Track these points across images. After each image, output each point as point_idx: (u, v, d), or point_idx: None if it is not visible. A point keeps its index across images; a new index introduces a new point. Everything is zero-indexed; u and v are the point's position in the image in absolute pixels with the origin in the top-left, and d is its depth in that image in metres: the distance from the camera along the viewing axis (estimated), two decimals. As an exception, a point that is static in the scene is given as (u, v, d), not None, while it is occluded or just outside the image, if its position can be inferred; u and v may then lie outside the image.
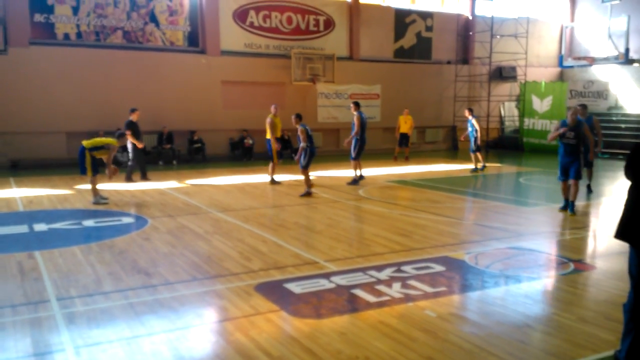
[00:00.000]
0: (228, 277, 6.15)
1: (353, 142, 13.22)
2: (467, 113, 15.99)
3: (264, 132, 13.55)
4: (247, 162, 18.81)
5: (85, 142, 10.66)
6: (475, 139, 15.48)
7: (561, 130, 9.55)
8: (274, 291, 5.67)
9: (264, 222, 9.06)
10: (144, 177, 13.95)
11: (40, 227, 8.62)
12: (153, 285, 5.87)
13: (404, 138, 18.46)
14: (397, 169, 16.55)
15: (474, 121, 15.51)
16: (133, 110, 13.80)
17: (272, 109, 13.48)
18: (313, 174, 15.13)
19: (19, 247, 7.41)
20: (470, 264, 6.74)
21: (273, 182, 13.38)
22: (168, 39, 18.62)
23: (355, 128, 13.08)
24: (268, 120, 13.20)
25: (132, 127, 13.50)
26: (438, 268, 6.48)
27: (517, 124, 24.47)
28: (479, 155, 15.74)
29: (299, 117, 11.69)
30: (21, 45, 16.26)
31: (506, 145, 23.82)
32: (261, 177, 14.62)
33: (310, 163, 11.52)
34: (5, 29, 16.01)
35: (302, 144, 11.40)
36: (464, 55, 24.57)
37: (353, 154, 13.35)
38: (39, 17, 16.62)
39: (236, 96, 19.57)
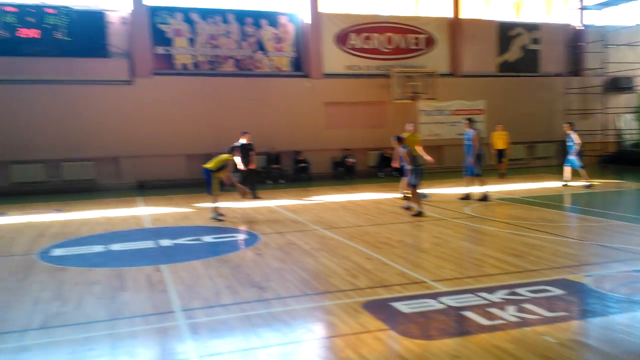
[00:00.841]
0: (336, 294, 6.28)
1: (471, 158, 12.93)
2: (566, 127, 15.35)
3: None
4: (350, 180, 19.06)
5: (209, 165, 11.40)
6: (578, 153, 14.92)
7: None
8: (382, 309, 5.69)
9: (369, 240, 9.13)
10: (255, 196, 14.45)
11: (165, 242, 9.34)
12: (266, 299, 6.14)
13: (500, 154, 17.82)
14: (505, 186, 15.92)
15: (574, 135, 14.91)
16: (244, 133, 14.59)
17: (409, 127, 13.72)
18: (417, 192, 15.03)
19: (148, 261, 8.08)
20: (592, 287, 6.34)
21: (406, 198, 13.00)
22: (275, 65, 19.53)
23: (476, 144, 12.85)
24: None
25: (242, 149, 14.08)
26: (556, 291, 6.16)
27: (635, 137, 22.62)
28: (580, 170, 15.07)
29: (399, 139, 11.69)
30: (145, 75, 17.87)
31: (625, 160, 22.04)
32: (364, 195, 14.77)
33: (419, 182, 11.42)
34: (131, 61, 17.74)
35: (408, 167, 11.36)
36: (575, 67, 23.28)
37: (478, 171, 13.03)
38: (160, 50, 18.19)
39: (338, 116, 20.00)
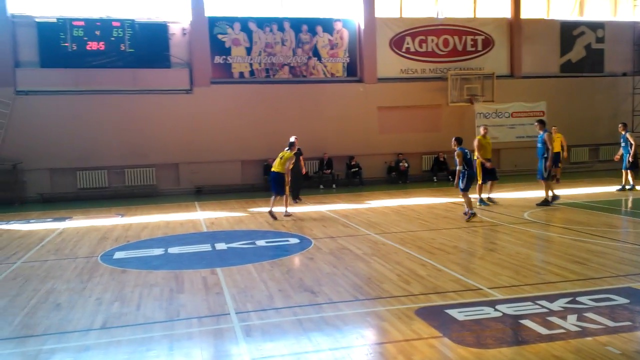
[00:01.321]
0: (388, 300, 6.22)
1: (542, 161, 12.60)
2: (620, 128, 14.94)
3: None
4: (403, 185, 18.86)
5: (277, 168, 12.24)
6: (629, 155, 14.54)
7: None
8: (435, 316, 5.59)
9: (422, 245, 9.00)
10: (297, 199, 14.93)
11: (220, 246, 9.56)
12: (318, 303, 6.16)
13: (556, 157, 17.06)
14: (565, 190, 15.29)
15: (628, 136, 14.57)
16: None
17: (482, 130, 13.45)
18: (474, 196, 14.68)
19: (204, 264, 8.29)
20: (660, 297, 5.99)
21: (482, 202, 13.18)
22: (329, 71, 19.64)
23: (549, 146, 12.51)
24: (475, 142, 13.08)
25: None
26: (620, 300, 5.85)
27: None
28: (630, 173, 14.66)
29: (458, 140, 11.58)
30: (204, 84, 18.40)
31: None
32: (417, 200, 14.58)
33: (470, 186, 11.33)
34: (191, 71, 18.31)
35: (458, 167, 11.35)
36: (643, 66, 22.10)
37: (545, 174, 12.63)
38: (218, 59, 18.68)
39: (391, 121, 19.85)
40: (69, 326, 5.72)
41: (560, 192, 14.68)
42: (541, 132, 12.62)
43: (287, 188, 12.42)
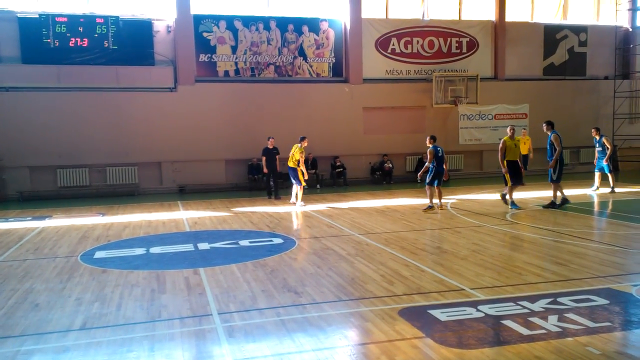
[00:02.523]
0: (372, 300, 6.23)
1: (556, 163, 12.29)
2: (594, 132, 15.36)
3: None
4: (387, 185, 18.92)
5: (291, 163, 14.13)
6: (604, 159, 14.99)
7: None
8: (419, 317, 5.61)
9: (405, 246, 9.03)
10: (275, 197, 15.73)
11: (203, 246, 9.49)
12: (302, 303, 6.14)
13: (524, 160, 17.23)
14: (546, 192, 15.44)
15: (604, 140, 14.97)
16: (269, 139, 15.73)
17: (508, 130, 12.89)
18: (457, 197, 14.82)
19: (186, 264, 8.21)
20: (637, 297, 6.07)
21: (513, 205, 12.64)
22: (315, 70, 19.63)
23: (557, 148, 12.21)
24: (500, 144, 12.68)
25: (266, 153, 15.64)
26: (600, 301, 5.93)
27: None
28: (611, 175, 15.09)
29: (433, 138, 12.58)
30: (188, 83, 18.26)
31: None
32: (401, 201, 14.63)
33: (435, 181, 12.52)
34: (175, 69, 18.17)
35: (427, 163, 12.52)
36: (624, 70, 22.44)
37: (554, 177, 12.39)
38: (203, 57, 18.56)
39: (376, 121, 19.92)
40: (48, 327, 5.62)
41: (541, 194, 14.89)
42: (549, 134, 12.37)
43: (302, 180, 14.16)
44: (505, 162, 12.61)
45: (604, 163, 15.04)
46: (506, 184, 12.79)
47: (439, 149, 12.49)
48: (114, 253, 9.10)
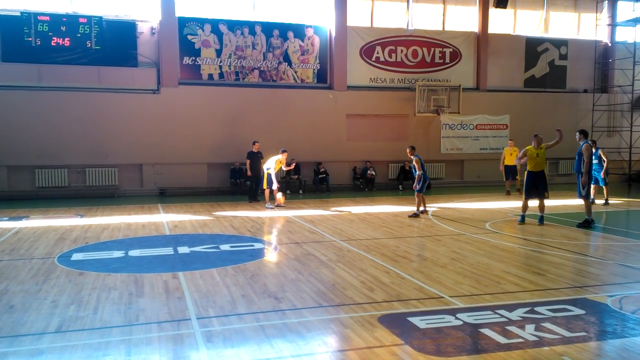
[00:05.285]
0: (352, 307, 6.23)
1: (579, 176, 11.62)
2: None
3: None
4: (369, 192, 19.00)
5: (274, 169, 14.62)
6: (602, 171, 15.17)
7: None
8: (398, 324, 5.63)
9: (386, 253, 9.06)
10: (257, 201, 16.01)
11: (183, 249, 9.42)
12: (282, 309, 6.11)
13: (511, 170, 17.52)
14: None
15: (600, 153, 15.08)
16: (254, 143, 15.97)
17: (533, 141, 11.91)
18: (438, 206, 14.93)
19: (166, 267, 8.13)
20: (614, 308, 6.17)
21: (522, 219, 12.06)
22: (299, 76, 19.66)
23: (586, 159, 11.34)
24: (521, 152, 12.28)
25: (250, 156, 15.87)
26: (577, 311, 6.02)
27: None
28: (605, 188, 15.27)
29: (413, 148, 13.22)
30: (171, 85, 18.15)
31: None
32: (382, 208, 14.70)
33: (424, 189, 13.16)
34: (159, 71, 18.05)
35: (418, 172, 12.96)
36: (603, 84, 22.91)
37: (583, 192, 11.60)
38: (187, 60, 18.47)
39: (360, 128, 20.02)
40: (23, 329, 5.52)
41: (516, 203, 15.01)
42: (581, 143, 11.55)
43: (275, 185, 14.63)
44: (525, 172, 11.97)
45: (601, 176, 14.97)
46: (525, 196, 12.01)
47: (419, 157, 13.14)
48: (92, 255, 8.97)
